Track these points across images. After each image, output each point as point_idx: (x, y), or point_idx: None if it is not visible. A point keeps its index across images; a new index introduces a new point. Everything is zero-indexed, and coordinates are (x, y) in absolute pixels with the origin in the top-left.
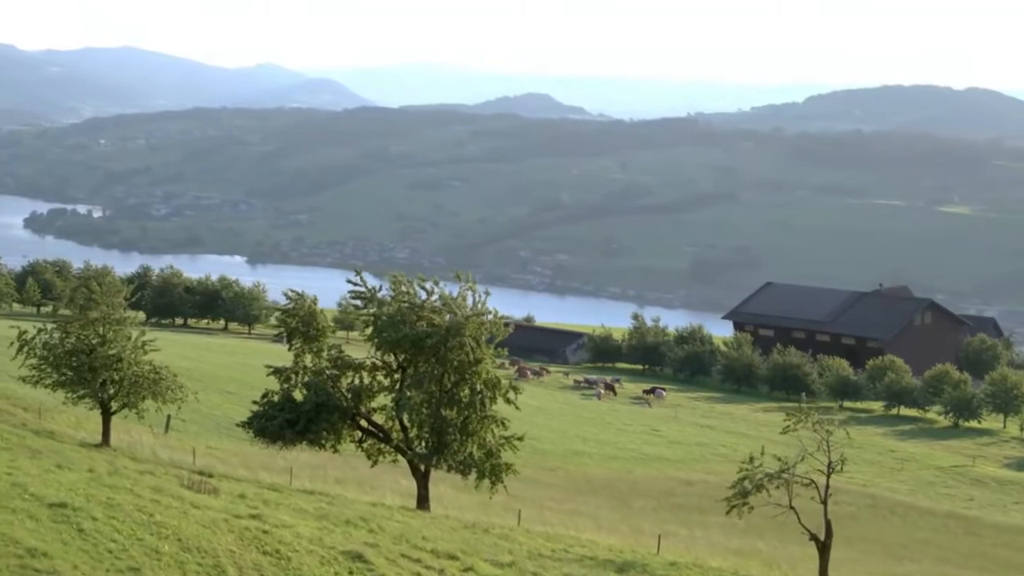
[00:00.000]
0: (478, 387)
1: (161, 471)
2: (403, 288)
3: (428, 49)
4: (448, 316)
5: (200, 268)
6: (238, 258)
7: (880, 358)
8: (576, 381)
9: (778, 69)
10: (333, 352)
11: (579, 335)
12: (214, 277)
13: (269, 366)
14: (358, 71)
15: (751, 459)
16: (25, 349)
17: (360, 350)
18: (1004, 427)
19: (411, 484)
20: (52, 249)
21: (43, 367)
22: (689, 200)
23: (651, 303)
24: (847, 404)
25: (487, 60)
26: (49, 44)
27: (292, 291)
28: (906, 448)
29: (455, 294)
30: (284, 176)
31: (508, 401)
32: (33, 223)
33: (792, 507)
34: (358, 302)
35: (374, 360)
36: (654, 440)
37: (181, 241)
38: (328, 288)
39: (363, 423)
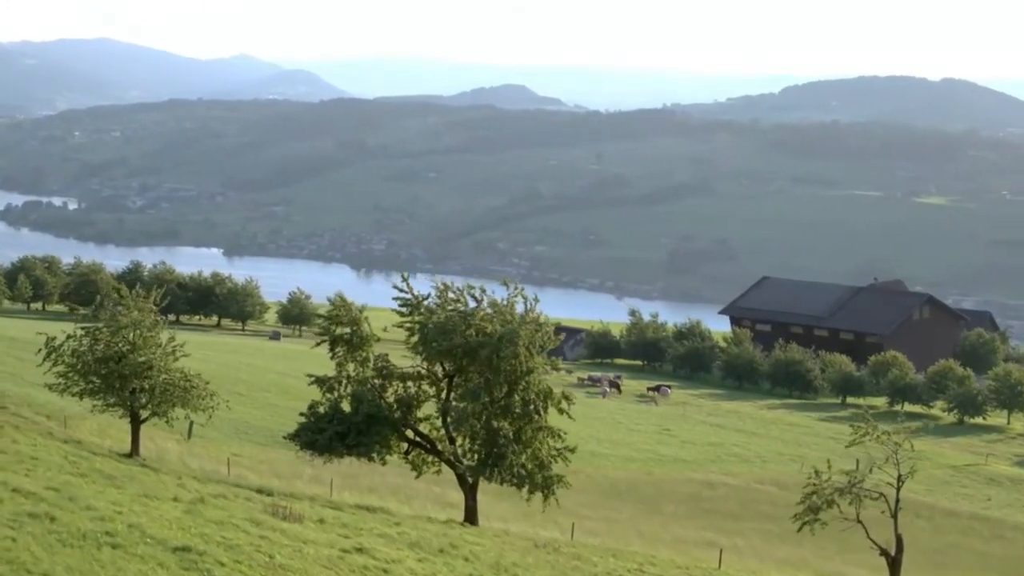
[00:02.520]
0: (530, 397)
1: (231, 494)
2: (451, 295)
3: (404, 40)
4: (499, 324)
5: (177, 260)
6: (215, 250)
7: (882, 354)
8: (580, 379)
9: (754, 60)
10: (379, 362)
11: (577, 331)
12: (206, 273)
13: (310, 375)
14: (333, 62)
15: (817, 473)
16: (53, 356)
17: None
18: (1009, 423)
19: (444, 491)
20: (28, 241)
21: (71, 375)
22: (666, 191)
23: (629, 294)
24: (849, 400)
25: (462, 51)
26: (24, 35)
27: (338, 295)
28: (916, 446)
29: (503, 301)
30: (260, 168)
31: (561, 411)
32: (8, 216)
33: (859, 520)
34: (403, 308)
35: (419, 369)
36: (667, 440)
37: (157, 233)
38: (307, 280)
39: (410, 434)
